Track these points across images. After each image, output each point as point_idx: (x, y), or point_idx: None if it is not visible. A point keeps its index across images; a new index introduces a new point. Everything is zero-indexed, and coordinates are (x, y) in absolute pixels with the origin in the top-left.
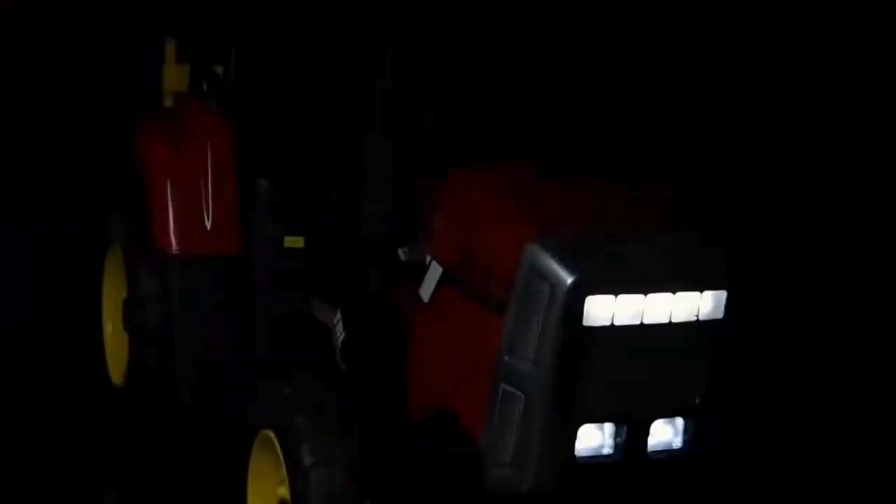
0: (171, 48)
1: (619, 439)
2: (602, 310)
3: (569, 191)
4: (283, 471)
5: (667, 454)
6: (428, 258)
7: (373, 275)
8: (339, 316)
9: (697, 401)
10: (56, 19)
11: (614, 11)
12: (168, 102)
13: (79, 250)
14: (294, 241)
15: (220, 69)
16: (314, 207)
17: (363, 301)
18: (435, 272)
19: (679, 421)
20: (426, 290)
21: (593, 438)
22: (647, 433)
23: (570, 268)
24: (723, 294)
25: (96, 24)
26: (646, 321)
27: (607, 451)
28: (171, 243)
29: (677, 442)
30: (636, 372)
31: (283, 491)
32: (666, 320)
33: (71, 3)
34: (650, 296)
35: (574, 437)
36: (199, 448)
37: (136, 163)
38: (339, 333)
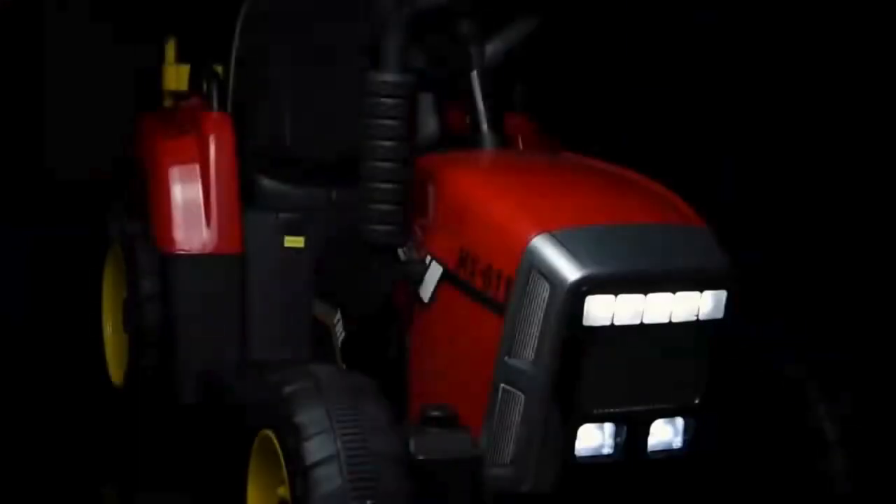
0: (171, 48)
1: (619, 439)
2: (602, 310)
3: (569, 189)
4: (283, 471)
5: (667, 454)
6: (428, 258)
7: (373, 275)
8: (339, 316)
9: (697, 401)
10: (56, 19)
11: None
12: (168, 102)
13: (79, 250)
14: (294, 241)
15: (220, 69)
16: (314, 207)
17: (364, 301)
18: (435, 272)
19: (679, 421)
20: (426, 290)
21: (593, 438)
22: (647, 433)
23: (571, 267)
24: (723, 294)
25: (96, 23)
26: (646, 321)
27: (607, 451)
28: (171, 243)
29: (677, 442)
30: (636, 372)
31: (284, 491)
32: (666, 320)
33: (71, 2)
34: (650, 296)
35: (574, 437)
36: (200, 448)
37: (137, 162)
38: (339, 333)
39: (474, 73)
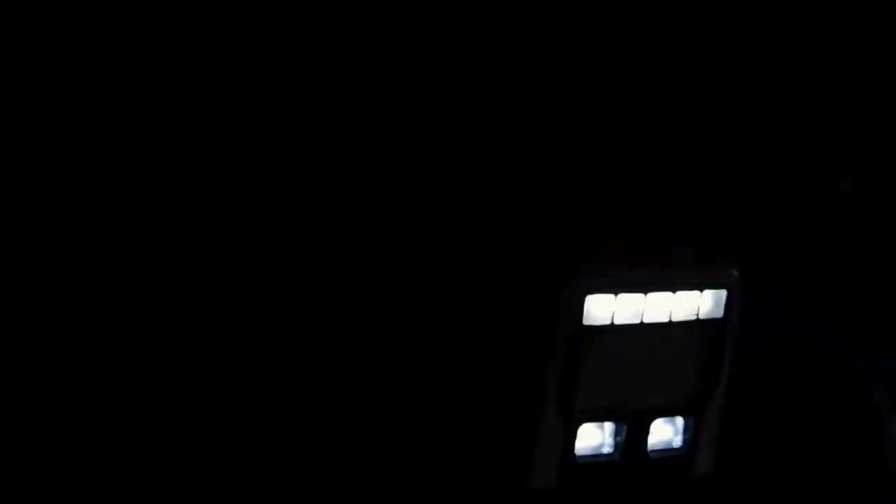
0: None
1: (619, 439)
2: (602, 309)
3: None
4: None
5: (667, 454)
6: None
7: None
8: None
9: (697, 401)
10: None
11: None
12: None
13: (78, 250)
14: None
15: None
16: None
17: (364, 301)
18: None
19: (679, 421)
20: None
21: (593, 438)
22: (647, 433)
23: (571, 267)
24: (723, 294)
25: (98, 23)
26: (646, 320)
27: (607, 450)
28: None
29: (677, 441)
30: (636, 371)
31: None
32: (666, 319)
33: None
34: (650, 295)
35: (574, 437)
36: (200, 448)
37: (139, 162)
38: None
39: None
